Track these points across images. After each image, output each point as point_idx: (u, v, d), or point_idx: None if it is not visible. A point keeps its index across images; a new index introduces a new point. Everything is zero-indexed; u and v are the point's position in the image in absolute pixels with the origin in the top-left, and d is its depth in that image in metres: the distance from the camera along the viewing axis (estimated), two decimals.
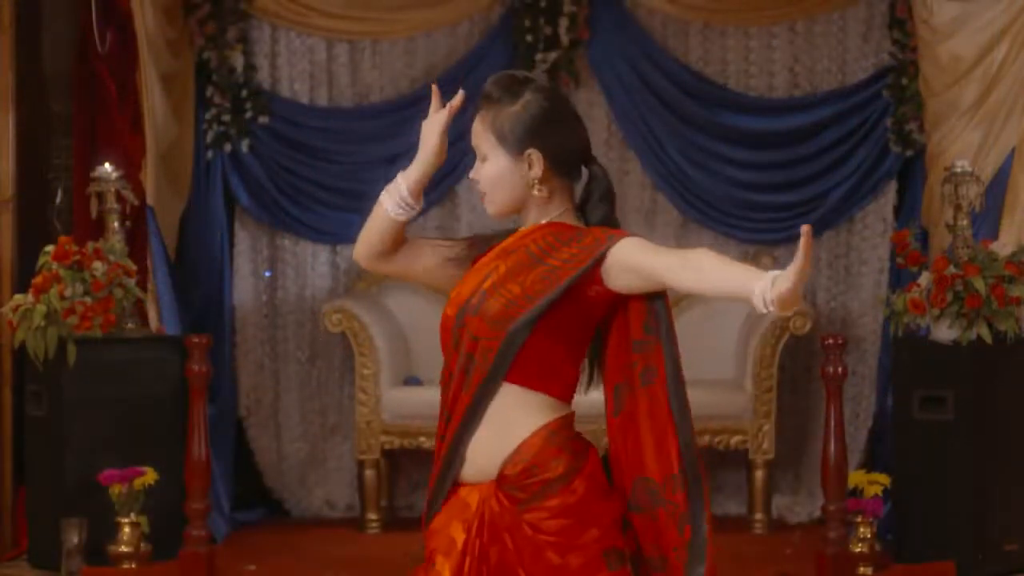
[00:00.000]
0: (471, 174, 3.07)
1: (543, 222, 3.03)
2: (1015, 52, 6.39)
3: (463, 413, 2.94)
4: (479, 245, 3.12)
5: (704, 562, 2.89)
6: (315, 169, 7.25)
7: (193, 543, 5.78)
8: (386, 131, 7.19)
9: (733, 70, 7.29)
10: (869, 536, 5.75)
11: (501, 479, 2.92)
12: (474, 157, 3.05)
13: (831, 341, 5.69)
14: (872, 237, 7.23)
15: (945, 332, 5.86)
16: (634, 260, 2.89)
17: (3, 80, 6.53)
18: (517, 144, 2.99)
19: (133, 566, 5.80)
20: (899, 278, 6.69)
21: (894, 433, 6.27)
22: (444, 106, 3.04)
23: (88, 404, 6.01)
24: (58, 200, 6.88)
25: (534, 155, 2.98)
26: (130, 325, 6.28)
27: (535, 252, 2.96)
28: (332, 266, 7.37)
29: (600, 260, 2.90)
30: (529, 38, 7.09)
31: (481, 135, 3.02)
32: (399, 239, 3.10)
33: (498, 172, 3.02)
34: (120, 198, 6.34)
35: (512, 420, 2.93)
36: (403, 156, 7.07)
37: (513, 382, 2.92)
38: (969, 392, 5.84)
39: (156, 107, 6.65)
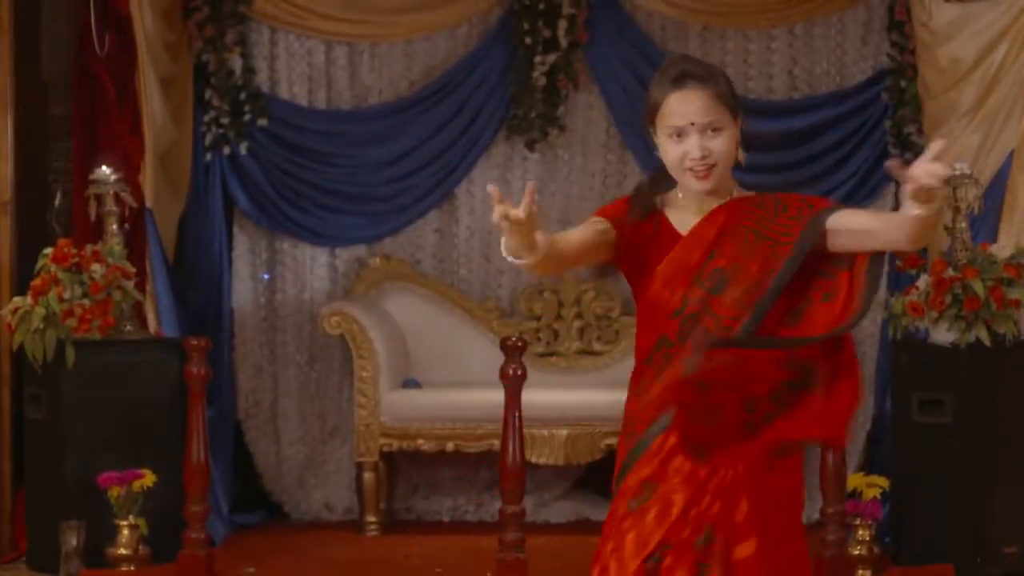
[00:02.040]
0: (695, 152, 3.08)
1: (735, 194, 3.13)
2: (1014, 54, 6.39)
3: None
4: (630, 214, 3.12)
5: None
6: (314, 172, 7.24)
7: (192, 546, 5.78)
8: (385, 133, 7.17)
9: (732, 72, 7.25)
10: (868, 539, 5.75)
11: None
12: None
13: None
14: None
15: (944, 335, 5.86)
16: (859, 224, 3.03)
17: (2, 82, 6.53)
18: (737, 112, 3.09)
19: (132, 568, 5.79)
20: (898, 281, 6.68)
21: (893, 435, 6.27)
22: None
23: (87, 406, 6.00)
24: (57, 202, 6.88)
25: (739, 122, 3.09)
26: (129, 327, 6.27)
27: (754, 227, 3.05)
28: (331, 269, 7.36)
29: (821, 225, 3.01)
30: (528, 40, 7.08)
31: (714, 109, 3.08)
32: (556, 253, 2.96)
33: (732, 143, 3.11)
34: (119, 200, 6.34)
35: None
36: (402, 158, 7.16)
37: None
38: (968, 395, 5.83)
39: (155, 110, 6.65)
